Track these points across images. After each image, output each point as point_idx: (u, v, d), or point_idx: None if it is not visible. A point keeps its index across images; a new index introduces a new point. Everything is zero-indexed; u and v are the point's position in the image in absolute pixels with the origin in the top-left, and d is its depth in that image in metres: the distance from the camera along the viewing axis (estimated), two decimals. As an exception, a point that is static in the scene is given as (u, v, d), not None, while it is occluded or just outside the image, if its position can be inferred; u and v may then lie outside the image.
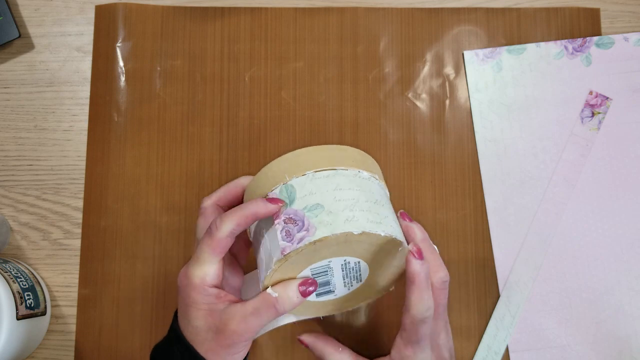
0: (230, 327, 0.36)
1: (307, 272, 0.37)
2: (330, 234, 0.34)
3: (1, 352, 0.44)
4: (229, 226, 0.36)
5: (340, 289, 0.40)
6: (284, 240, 0.35)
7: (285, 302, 0.36)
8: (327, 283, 0.39)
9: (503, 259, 0.51)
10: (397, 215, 0.41)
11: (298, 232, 0.35)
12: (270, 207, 0.36)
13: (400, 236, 0.37)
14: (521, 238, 0.51)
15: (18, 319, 0.45)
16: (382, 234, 0.35)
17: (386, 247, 0.37)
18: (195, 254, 0.37)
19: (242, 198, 0.41)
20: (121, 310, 0.50)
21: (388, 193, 0.41)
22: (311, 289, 0.37)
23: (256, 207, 0.36)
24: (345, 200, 0.36)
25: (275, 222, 0.36)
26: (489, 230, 0.51)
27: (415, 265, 0.37)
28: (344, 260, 0.38)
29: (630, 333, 0.49)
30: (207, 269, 0.37)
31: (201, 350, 0.37)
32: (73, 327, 0.50)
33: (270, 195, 0.37)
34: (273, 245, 0.36)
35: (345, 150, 0.39)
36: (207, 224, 0.39)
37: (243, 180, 0.41)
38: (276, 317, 0.37)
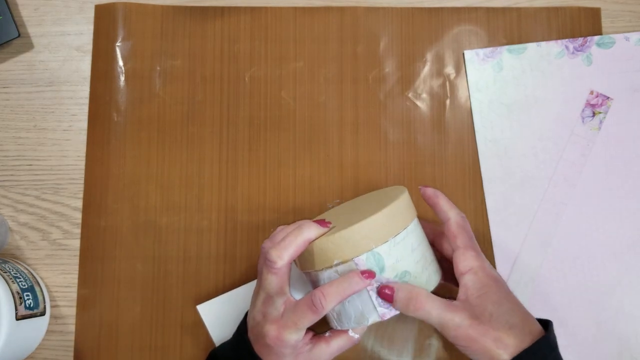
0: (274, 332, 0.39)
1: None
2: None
3: (1, 353, 0.44)
4: (332, 304, 0.39)
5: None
6: (381, 307, 0.40)
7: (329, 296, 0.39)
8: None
9: (503, 259, 0.51)
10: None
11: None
12: (367, 283, 0.39)
13: (440, 269, 0.44)
14: (521, 238, 0.51)
15: (17, 319, 0.45)
16: (440, 279, 0.43)
17: None
18: (291, 319, 0.39)
19: (312, 251, 0.40)
20: (121, 310, 0.50)
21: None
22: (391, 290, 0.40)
23: (356, 286, 0.38)
24: (420, 261, 0.41)
25: (368, 289, 0.39)
26: (489, 230, 0.51)
27: (430, 189, 0.43)
28: None
29: (630, 333, 0.49)
30: (302, 333, 0.40)
31: (255, 346, 0.41)
32: (72, 328, 0.50)
33: (357, 261, 0.39)
34: (365, 306, 0.40)
35: (401, 198, 0.40)
36: (281, 282, 0.40)
37: (308, 234, 0.40)
38: (317, 318, 0.39)
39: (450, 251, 0.42)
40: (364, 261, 0.39)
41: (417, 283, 0.40)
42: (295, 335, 0.39)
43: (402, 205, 0.40)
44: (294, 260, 0.42)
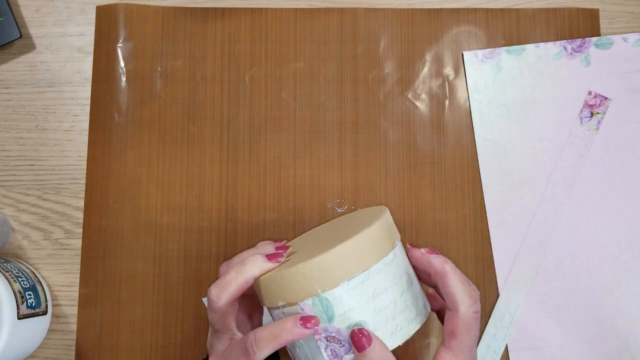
0: None
1: None
2: (381, 357, 0.33)
3: (2, 352, 0.44)
4: (265, 351, 0.34)
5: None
6: None
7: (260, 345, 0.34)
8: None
9: (502, 259, 0.51)
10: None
11: (346, 353, 0.34)
12: (308, 332, 0.34)
13: (427, 306, 0.37)
14: (520, 238, 0.51)
15: (19, 318, 0.45)
16: (419, 326, 0.35)
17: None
18: (211, 325, 0.38)
19: (254, 289, 0.38)
20: (122, 309, 0.50)
21: (399, 240, 0.38)
22: (314, 322, 0.34)
23: (289, 334, 0.34)
24: (386, 309, 0.34)
25: (316, 337, 0.34)
26: (488, 230, 0.51)
27: (437, 258, 0.35)
28: None
29: (629, 332, 0.50)
30: (225, 341, 0.37)
31: None
32: (74, 327, 0.50)
33: (302, 306, 0.34)
34: (315, 356, 0.35)
35: (364, 233, 0.34)
36: (224, 320, 0.37)
37: (251, 271, 0.36)
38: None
39: (443, 306, 0.37)
40: (309, 307, 0.34)
41: (378, 336, 0.34)
42: None
43: (365, 240, 0.34)
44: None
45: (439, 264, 0.35)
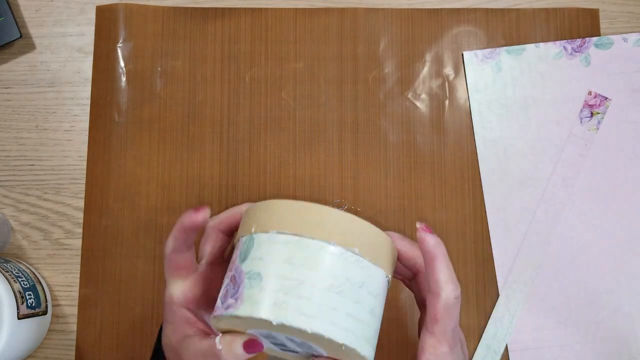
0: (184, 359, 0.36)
1: (254, 330, 0.32)
2: (249, 315, 0.30)
3: (2, 352, 0.44)
4: (170, 243, 0.36)
5: (302, 352, 0.34)
6: (220, 299, 0.32)
7: (229, 357, 0.32)
8: (284, 344, 0.33)
9: (502, 259, 0.51)
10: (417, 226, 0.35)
11: (230, 297, 0.31)
12: (194, 217, 0.34)
13: (348, 340, 0.30)
14: (520, 238, 0.51)
15: (19, 318, 0.45)
16: (309, 331, 0.29)
17: (327, 345, 0.31)
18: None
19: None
20: (122, 309, 0.50)
21: (386, 288, 0.33)
22: (257, 348, 0.32)
23: (182, 219, 0.35)
24: (288, 280, 0.30)
25: (228, 274, 0.32)
26: (488, 230, 0.51)
27: (432, 239, 0.33)
28: (289, 337, 0.32)
29: (629, 333, 0.50)
30: (172, 290, 0.37)
31: None
32: (74, 327, 0.50)
33: (237, 243, 0.33)
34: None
35: (338, 219, 0.31)
36: (204, 242, 0.38)
37: (244, 208, 0.37)
38: None
39: (425, 293, 0.36)
40: (241, 243, 0.33)
41: (259, 297, 0.30)
42: (168, 290, 0.37)
43: (326, 214, 0.31)
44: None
45: (432, 245, 0.33)
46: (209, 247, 0.38)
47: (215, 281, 0.38)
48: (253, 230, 0.31)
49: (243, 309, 0.30)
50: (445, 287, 0.33)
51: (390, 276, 0.33)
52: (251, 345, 0.32)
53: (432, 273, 0.34)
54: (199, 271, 0.38)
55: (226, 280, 0.32)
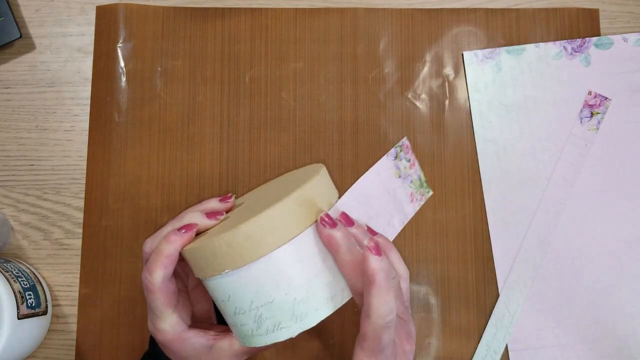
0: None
1: None
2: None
3: (2, 352, 0.44)
4: (159, 275, 0.36)
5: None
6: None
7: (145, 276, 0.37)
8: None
9: (502, 259, 0.51)
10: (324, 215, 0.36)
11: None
12: (180, 239, 0.36)
13: (321, 314, 0.35)
14: (520, 238, 0.51)
15: (19, 318, 0.45)
16: (296, 334, 0.35)
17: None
18: (150, 309, 0.38)
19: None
20: (122, 309, 0.50)
21: (304, 242, 0.35)
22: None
23: (167, 245, 0.36)
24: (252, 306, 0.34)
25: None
26: (488, 230, 0.51)
27: (374, 262, 0.33)
28: None
29: (629, 332, 0.50)
30: (169, 321, 0.37)
31: None
32: (74, 327, 0.50)
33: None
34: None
35: (280, 209, 0.33)
36: (157, 300, 0.38)
37: (171, 250, 0.37)
38: None
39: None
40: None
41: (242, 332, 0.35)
42: (165, 325, 0.38)
43: (269, 221, 0.33)
44: None
45: (372, 270, 0.33)
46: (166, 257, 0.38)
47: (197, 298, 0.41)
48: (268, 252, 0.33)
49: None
50: (377, 311, 0.33)
51: (301, 229, 0.34)
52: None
53: (367, 295, 0.34)
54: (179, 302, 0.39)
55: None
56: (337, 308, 0.35)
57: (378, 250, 0.34)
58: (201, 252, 0.34)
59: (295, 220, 0.34)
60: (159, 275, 0.36)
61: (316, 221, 0.35)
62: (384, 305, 0.33)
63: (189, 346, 0.38)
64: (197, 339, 0.38)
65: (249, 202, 0.40)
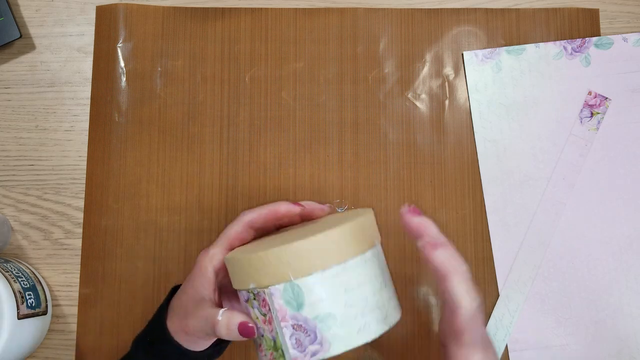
0: (189, 320, 0.38)
1: None
2: (345, 349, 0.33)
3: (2, 352, 0.44)
4: (252, 215, 0.39)
5: None
6: (294, 349, 0.34)
7: (223, 330, 0.36)
8: None
9: (502, 259, 0.51)
10: (406, 209, 0.36)
11: (310, 344, 0.34)
12: (295, 209, 0.39)
13: (398, 311, 0.37)
14: (520, 238, 0.51)
15: (19, 318, 0.45)
16: (387, 328, 0.35)
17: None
18: (221, 235, 0.40)
19: (232, 268, 0.37)
20: (122, 309, 0.50)
21: (380, 243, 0.38)
22: (250, 333, 0.35)
23: (278, 206, 0.39)
24: (357, 305, 0.34)
25: (282, 324, 0.34)
26: (488, 229, 0.51)
27: (442, 254, 0.33)
28: None
29: (629, 332, 0.50)
30: (215, 250, 0.39)
31: (172, 319, 0.39)
32: (74, 327, 0.50)
33: (273, 291, 0.34)
34: (281, 340, 0.34)
35: (345, 226, 0.34)
36: (232, 228, 0.40)
37: (282, 207, 0.40)
38: (214, 334, 0.37)
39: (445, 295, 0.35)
40: (280, 292, 0.33)
41: (343, 331, 0.33)
42: (211, 250, 0.39)
43: (346, 235, 0.34)
44: None
45: (441, 262, 0.33)
46: (234, 237, 0.40)
47: None
48: (291, 276, 0.33)
49: (335, 349, 0.33)
50: (463, 301, 0.33)
51: (378, 243, 0.37)
52: (245, 328, 0.35)
53: (447, 288, 0.33)
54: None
55: (286, 331, 0.34)
56: (390, 327, 0.35)
57: (438, 245, 0.34)
58: (264, 258, 0.34)
59: (358, 242, 0.35)
60: (253, 213, 0.39)
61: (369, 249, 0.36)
62: (467, 292, 0.33)
63: (198, 281, 0.39)
64: (208, 284, 0.38)
65: (286, 234, 0.40)
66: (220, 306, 0.38)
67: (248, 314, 0.36)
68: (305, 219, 0.41)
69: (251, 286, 0.34)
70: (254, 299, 0.35)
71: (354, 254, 0.34)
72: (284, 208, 0.40)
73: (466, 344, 0.33)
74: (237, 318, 0.35)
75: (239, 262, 0.35)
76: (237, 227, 0.40)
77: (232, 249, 0.40)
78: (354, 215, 0.37)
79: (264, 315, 0.34)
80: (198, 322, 0.37)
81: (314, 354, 0.33)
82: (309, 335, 0.33)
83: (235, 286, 0.36)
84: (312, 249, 0.33)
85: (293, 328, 0.33)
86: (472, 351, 0.33)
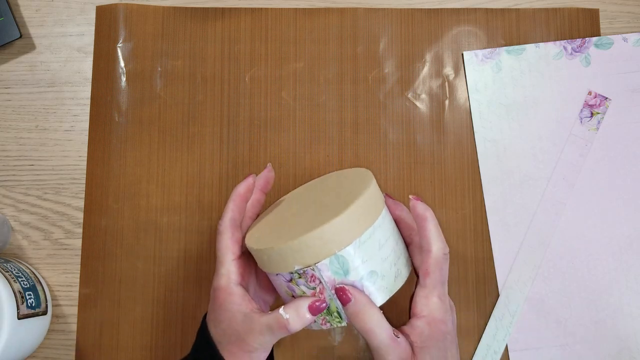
0: (248, 340, 0.38)
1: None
2: (389, 296, 0.38)
3: (2, 352, 0.44)
4: (227, 215, 0.41)
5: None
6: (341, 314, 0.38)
7: (297, 322, 0.37)
8: None
9: (502, 259, 0.51)
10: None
11: None
12: (247, 182, 0.43)
13: (409, 255, 0.42)
14: (520, 238, 0.51)
15: (19, 318, 0.45)
16: (411, 269, 0.41)
17: None
18: (217, 253, 0.41)
19: (270, 255, 0.39)
20: (122, 309, 0.50)
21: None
22: (322, 308, 0.37)
23: (237, 190, 0.42)
24: (389, 257, 0.39)
25: (333, 292, 0.37)
26: (488, 230, 0.51)
27: (422, 205, 0.39)
28: None
29: (630, 332, 0.50)
30: (227, 268, 0.40)
31: (224, 350, 0.39)
32: (74, 327, 0.50)
33: (320, 266, 0.36)
34: (336, 304, 0.38)
35: (366, 194, 0.38)
36: (223, 240, 0.41)
37: (241, 189, 0.43)
38: (288, 334, 0.37)
39: (419, 245, 0.41)
40: (327, 265, 0.37)
41: (385, 282, 0.38)
42: (222, 270, 0.41)
43: (368, 200, 0.38)
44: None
45: (422, 209, 0.39)
46: (253, 207, 0.44)
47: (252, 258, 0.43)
48: (336, 251, 0.36)
49: (382, 298, 0.38)
50: (435, 244, 0.39)
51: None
52: (315, 308, 0.37)
53: (424, 233, 0.39)
54: (243, 251, 0.42)
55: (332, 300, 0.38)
56: (403, 283, 0.40)
57: (419, 198, 0.40)
58: (307, 241, 0.36)
59: (378, 204, 0.39)
60: (227, 216, 0.41)
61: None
62: (439, 237, 0.39)
63: (230, 303, 0.39)
64: (241, 299, 0.39)
65: (302, 208, 0.42)
66: (260, 309, 0.39)
67: (292, 292, 0.39)
68: (267, 184, 0.46)
69: (296, 268, 0.37)
70: (299, 277, 0.37)
71: (377, 215, 0.38)
72: (243, 188, 0.43)
73: (428, 285, 0.38)
74: (303, 304, 0.37)
75: (277, 251, 0.37)
76: (226, 242, 0.41)
77: (237, 261, 0.41)
78: (360, 178, 0.41)
79: (313, 289, 0.38)
80: (260, 334, 0.37)
81: None
82: None
83: (274, 271, 0.39)
84: (348, 221, 0.36)
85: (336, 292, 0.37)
86: (431, 292, 0.38)
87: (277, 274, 0.39)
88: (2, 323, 0.44)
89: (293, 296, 0.39)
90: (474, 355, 0.50)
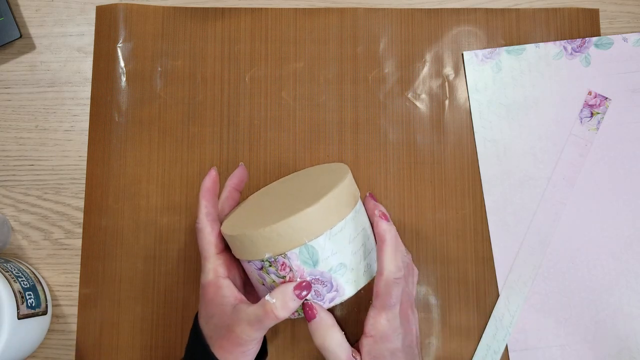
0: (237, 331, 0.38)
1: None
2: (356, 290, 0.39)
3: (2, 352, 0.44)
4: (202, 211, 0.42)
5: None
6: (315, 300, 0.39)
7: (280, 309, 0.37)
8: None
9: (502, 259, 0.51)
10: (366, 195, 0.43)
11: (328, 292, 0.39)
12: (211, 175, 0.44)
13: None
14: (520, 238, 0.51)
15: (19, 318, 0.45)
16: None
17: None
18: (200, 251, 0.42)
19: (242, 242, 0.39)
20: (122, 309, 0.50)
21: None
22: (305, 292, 0.38)
23: (203, 186, 0.43)
24: (359, 251, 0.39)
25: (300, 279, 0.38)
26: (488, 229, 0.51)
27: (384, 224, 0.39)
28: None
29: (630, 332, 0.50)
30: (213, 264, 0.41)
31: (215, 345, 0.39)
32: (74, 327, 0.50)
33: (290, 255, 0.37)
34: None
35: (340, 187, 0.38)
36: (224, 201, 0.44)
37: (207, 184, 0.44)
38: (277, 322, 0.38)
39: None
40: (296, 255, 0.37)
41: (354, 275, 0.39)
42: (207, 266, 0.41)
43: (341, 194, 0.38)
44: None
45: (382, 230, 0.39)
46: (228, 204, 0.45)
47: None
48: (306, 241, 0.37)
49: (349, 291, 0.39)
50: (387, 267, 0.38)
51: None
52: (301, 288, 0.37)
53: (379, 254, 0.39)
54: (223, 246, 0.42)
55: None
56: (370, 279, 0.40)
57: (386, 218, 0.40)
58: (278, 230, 0.37)
59: (351, 198, 0.40)
60: (202, 212, 0.42)
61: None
62: (393, 262, 0.38)
63: (220, 297, 0.40)
64: (229, 290, 0.40)
65: (277, 200, 0.43)
66: (247, 301, 0.40)
67: (262, 280, 0.39)
68: (240, 182, 0.47)
69: (267, 256, 0.38)
70: (270, 266, 0.38)
71: (350, 208, 0.39)
72: (209, 182, 0.44)
73: (377, 306, 0.39)
74: (288, 288, 0.37)
75: (250, 237, 0.38)
76: (208, 237, 0.42)
77: (221, 255, 0.42)
78: (335, 172, 0.42)
79: (283, 277, 0.38)
80: (249, 324, 0.38)
81: (331, 300, 0.39)
82: (326, 286, 0.38)
83: (246, 258, 0.39)
84: (320, 212, 0.37)
85: (312, 283, 0.38)
86: (379, 313, 0.39)
87: (249, 262, 0.39)
88: (2, 323, 0.44)
89: (264, 284, 0.40)
90: (474, 355, 0.50)
